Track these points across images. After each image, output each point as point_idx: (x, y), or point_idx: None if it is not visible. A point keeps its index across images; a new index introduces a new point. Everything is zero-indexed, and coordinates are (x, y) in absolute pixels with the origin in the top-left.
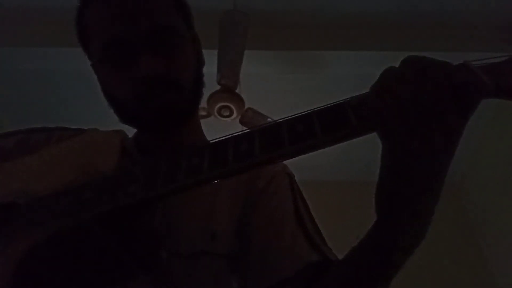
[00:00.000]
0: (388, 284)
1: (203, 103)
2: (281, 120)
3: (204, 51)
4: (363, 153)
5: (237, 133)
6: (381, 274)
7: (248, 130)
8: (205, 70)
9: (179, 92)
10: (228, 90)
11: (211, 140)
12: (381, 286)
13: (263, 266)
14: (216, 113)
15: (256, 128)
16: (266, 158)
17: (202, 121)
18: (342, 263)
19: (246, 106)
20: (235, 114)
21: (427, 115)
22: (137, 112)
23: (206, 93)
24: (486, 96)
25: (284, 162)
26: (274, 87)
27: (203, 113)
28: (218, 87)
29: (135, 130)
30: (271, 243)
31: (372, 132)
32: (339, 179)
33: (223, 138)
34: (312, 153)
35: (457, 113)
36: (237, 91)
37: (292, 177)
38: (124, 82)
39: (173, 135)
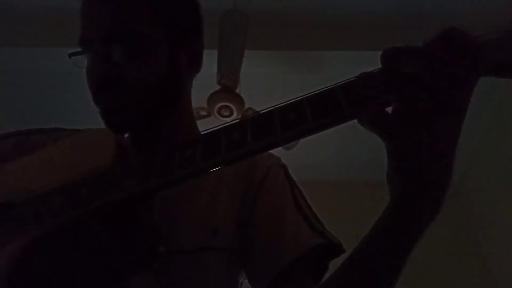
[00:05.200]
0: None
1: (203, 103)
2: (272, 108)
3: (204, 51)
4: (363, 153)
5: (229, 123)
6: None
7: (240, 120)
8: (205, 70)
9: (127, 99)
10: (228, 90)
11: (204, 131)
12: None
13: (268, 255)
14: (216, 113)
15: (248, 117)
16: (259, 146)
17: (202, 121)
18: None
19: (246, 106)
20: (235, 114)
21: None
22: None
23: (206, 93)
24: (485, 74)
25: (280, 156)
26: (274, 87)
27: (203, 113)
28: (218, 87)
29: None
30: (274, 232)
31: (364, 115)
32: (339, 179)
33: (216, 128)
34: (312, 153)
35: (455, 88)
36: (237, 91)
37: (286, 169)
38: (88, 81)
39: (157, 134)
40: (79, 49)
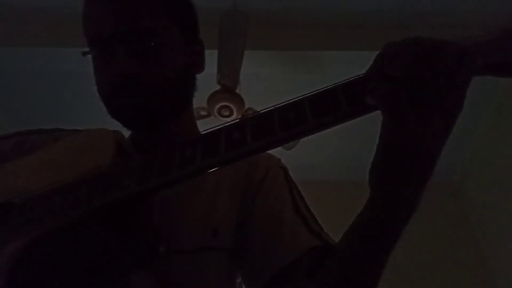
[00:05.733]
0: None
1: (203, 103)
2: (273, 107)
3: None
4: (363, 153)
5: (229, 123)
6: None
7: (240, 120)
8: (205, 70)
9: (148, 96)
10: (228, 90)
11: (204, 131)
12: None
13: (266, 255)
14: (216, 113)
15: (248, 116)
16: (258, 145)
17: (202, 121)
18: (340, 248)
19: (246, 106)
20: (235, 114)
21: (426, 94)
22: (111, 110)
23: (206, 93)
24: (489, 74)
25: (280, 156)
26: (274, 87)
27: (203, 113)
28: (218, 87)
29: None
30: (272, 233)
31: (363, 114)
32: (339, 179)
33: (216, 128)
34: (311, 152)
35: (452, 91)
36: (237, 91)
37: (286, 170)
38: (103, 79)
39: (158, 133)
40: (81, 49)
